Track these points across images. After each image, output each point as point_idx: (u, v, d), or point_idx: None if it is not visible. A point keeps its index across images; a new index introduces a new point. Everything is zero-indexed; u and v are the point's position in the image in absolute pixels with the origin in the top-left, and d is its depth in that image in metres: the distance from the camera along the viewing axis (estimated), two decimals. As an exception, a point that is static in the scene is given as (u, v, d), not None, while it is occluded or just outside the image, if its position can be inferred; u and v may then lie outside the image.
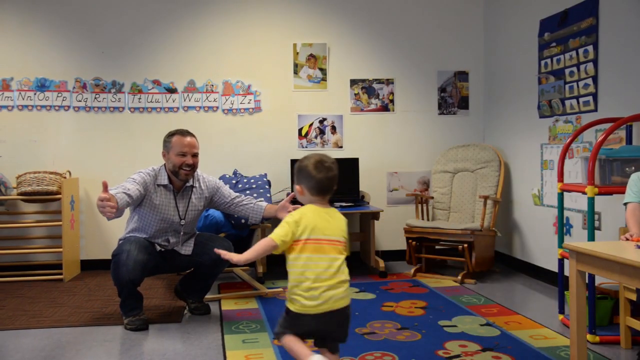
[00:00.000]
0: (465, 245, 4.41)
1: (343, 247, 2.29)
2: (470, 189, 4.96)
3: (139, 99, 5.05)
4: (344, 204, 4.80)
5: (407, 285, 4.34)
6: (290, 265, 2.25)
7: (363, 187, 5.18)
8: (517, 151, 4.85)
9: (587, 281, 2.74)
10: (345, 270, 2.25)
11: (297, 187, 2.36)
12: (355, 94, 5.30)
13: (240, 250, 2.64)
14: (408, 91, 5.36)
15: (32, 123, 4.95)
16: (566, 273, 3.08)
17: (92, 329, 3.36)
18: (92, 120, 5.02)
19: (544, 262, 4.47)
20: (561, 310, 3.44)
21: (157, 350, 3.01)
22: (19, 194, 4.55)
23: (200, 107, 5.12)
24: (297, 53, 5.21)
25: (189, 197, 3.53)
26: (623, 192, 2.82)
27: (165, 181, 3.45)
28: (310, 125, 5.25)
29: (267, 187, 4.54)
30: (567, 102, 4.08)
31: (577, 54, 3.94)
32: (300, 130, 5.24)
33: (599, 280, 3.19)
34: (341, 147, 5.29)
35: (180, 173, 3.42)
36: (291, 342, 2.23)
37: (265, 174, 4.76)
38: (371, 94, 5.32)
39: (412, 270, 4.67)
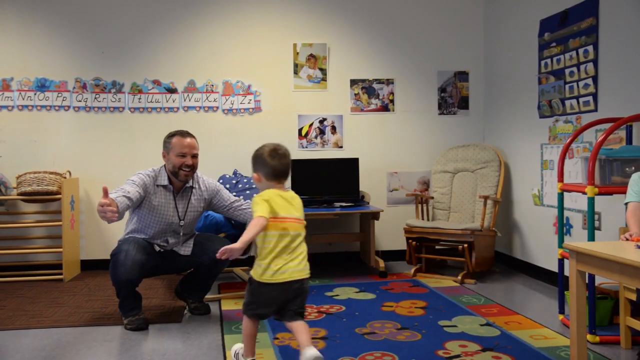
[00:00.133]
0: (465, 245, 4.41)
1: (303, 225, 2.55)
2: (470, 189, 4.96)
3: (139, 99, 5.05)
4: (344, 203, 4.80)
5: (407, 285, 4.34)
6: (258, 241, 2.47)
7: (363, 187, 5.18)
8: (517, 151, 4.85)
9: (587, 281, 2.74)
10: (304, 246, 2.53)
11: (254, 174, 2.56)
12: (355, 94, 5.30)
13: (240, 250, 2.68)
14: (408, 91, 5.36)
15: (32, 123, 4.95)
16: (566, 273, 3.08)
17: (92, 329, 3.36)
18: (92, 120, 5.02)
19: (544, 262, 4.47)
20: (561, 310, 3.44)
21: (157, 350, 3.01)
22: (19, 194, 4.56)
23: (200, 107, 5.12)
24: (297, 53, 5.21)
25: (188, 198, 3.53)
26: (623, 192, 2.82)
27: (165, 182, 3.46)
28: (310, 125, 5.25)
29: (267, 187, 4.53)
30: (567, 102, 4.08)
31: (577, 54, 3.94)
32: (300, 130, 5.24)
33: (599, 280, 3.19)
34: (341, 147, 5.29)
35: (180, 174, 3.43)
36: (247, 328, 2.55)
37: (265, 174, 4.75)
38: (371, 94, 5.32)
39: (412, 270, 4.67)
